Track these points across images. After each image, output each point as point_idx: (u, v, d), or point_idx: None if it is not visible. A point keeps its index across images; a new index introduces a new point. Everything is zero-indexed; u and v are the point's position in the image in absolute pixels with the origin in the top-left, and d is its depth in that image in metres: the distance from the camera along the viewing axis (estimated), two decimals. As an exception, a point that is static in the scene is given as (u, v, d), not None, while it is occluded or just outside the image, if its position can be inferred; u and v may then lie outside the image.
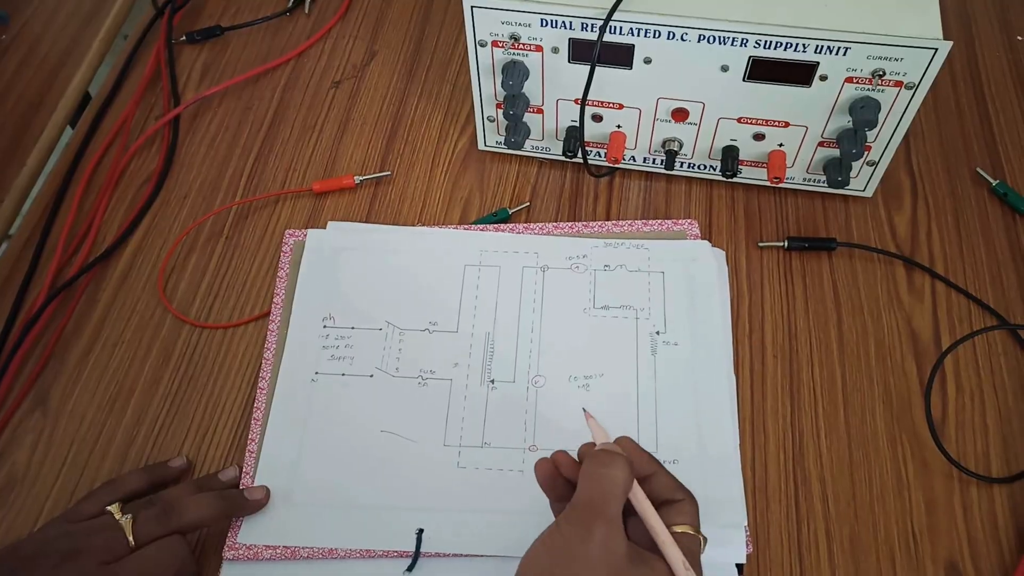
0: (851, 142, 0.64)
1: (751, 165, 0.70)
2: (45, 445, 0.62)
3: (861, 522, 0.58)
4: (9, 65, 0.83)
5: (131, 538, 0.52)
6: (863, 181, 0.70)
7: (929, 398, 0.61)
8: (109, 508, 0.54)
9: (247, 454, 0.60)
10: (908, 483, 0.59)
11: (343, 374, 0.64)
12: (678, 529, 0.44)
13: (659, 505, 0.45)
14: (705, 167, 0.72)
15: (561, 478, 0.47)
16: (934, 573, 0.56)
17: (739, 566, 0.55)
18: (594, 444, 0.47)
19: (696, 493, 0.57)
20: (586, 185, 0.74)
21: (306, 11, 0.87)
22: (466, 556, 0.56)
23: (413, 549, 0.56)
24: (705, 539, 0.45)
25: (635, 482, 0.44)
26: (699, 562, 0.43)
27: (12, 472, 0.61)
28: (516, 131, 0.71)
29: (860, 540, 0.57)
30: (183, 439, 0.62)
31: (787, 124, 0.66)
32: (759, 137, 0.68)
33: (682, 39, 0.61)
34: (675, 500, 0.45)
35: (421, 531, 0.56)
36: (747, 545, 0.56)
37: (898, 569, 0.56)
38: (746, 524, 0.56)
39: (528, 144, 0.73)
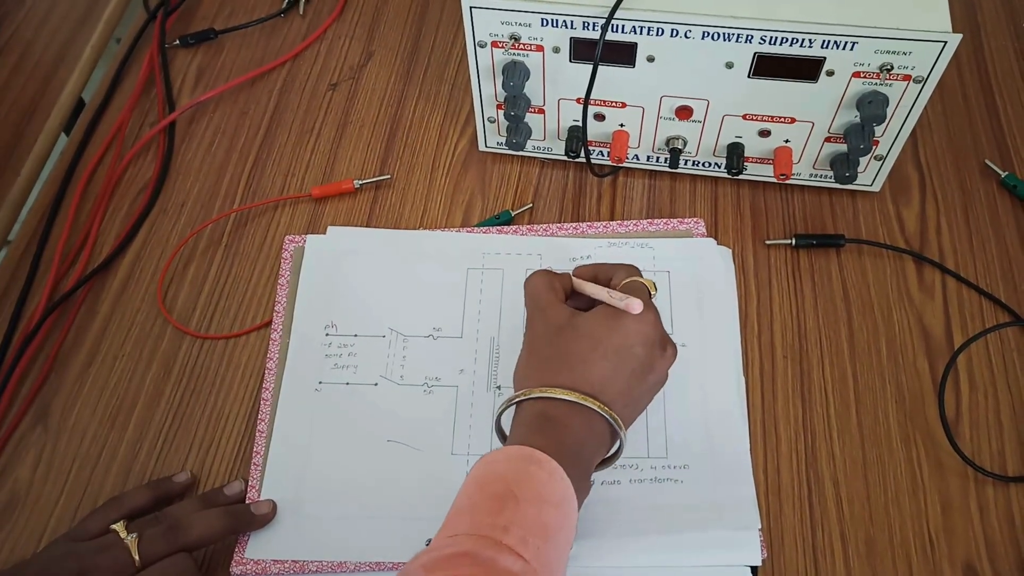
0: (859, 137, 0.63)
1: (757, 162, 0.69)
2: (47, 462, 0.61)
3: (876, 524, 0.57)
4: (1, 72, 0.82)
5: (137, 557, 0.52)
6: (871, 176, 0.69)
7: (943, 397, 0.60)
8: (114, 526, 0.53)
9: (252, 467, 0.59)
10: (923, 484, 0.58)
11: (347, 383, 0.63)
12: (627, 280, 0.55)
13: (608, 281, 0.57)
14: (710, 165, 0.71)
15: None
16: (952, 575, 0.55)
17: (753, 569, 0.55)
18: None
19: (708, 496, 0.57)
20: (589, 185, 0.73)
21: (300, 12, 0.86)
22: (477, 567, 0.55)
23: (423, 561, 0.55)
24: (653, 284, 0.56)
25: (572, 278, 0.58)
26: (647, 297, 0.54)
27: (14, 490, 0.60)
28: (517, 132, 0.70)
29: (876, 543, 0.56)
30: (187, 453, 0.61)
31: (793, 120, 0.65)
32: (765, 134, 0.67)
33: (685, 36, 0.60)
34: (615, 272, 0.57)
35: (430, 541, 0.56)
36: (762, 550, 0.55)
37: (915, 572, 0.55)
38: (760, 527, 0.56)
39: (530, 144, 0.72)
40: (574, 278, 0.58)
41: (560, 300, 0.56)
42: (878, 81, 0.61)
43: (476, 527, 0.45)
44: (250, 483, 0.59)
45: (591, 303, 0.56)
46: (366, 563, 0.56)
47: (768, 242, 0.69)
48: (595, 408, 0.50)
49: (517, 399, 0.52)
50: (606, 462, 0.54)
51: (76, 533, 0.54)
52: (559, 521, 0.46)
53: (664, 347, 0.54)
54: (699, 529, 0.55)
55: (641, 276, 0.56)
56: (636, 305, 0.52)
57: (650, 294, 0.55)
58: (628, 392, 0.52)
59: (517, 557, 0.43)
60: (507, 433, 0.53)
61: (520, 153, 0.74)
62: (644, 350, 0.52)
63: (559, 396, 0.50)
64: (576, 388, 0.50)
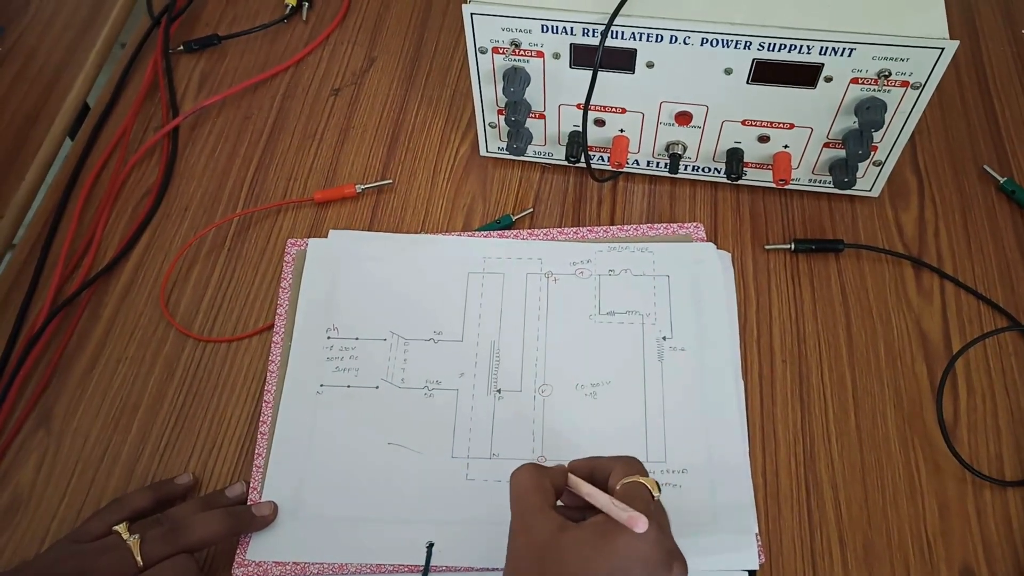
0: (857, 143, 0.64)
1: (756, 167, 0.70)
2: (50, 464, 0.61)
3: (874, 528, 0.57)
4: (5, 77, 0.83)
5: (139, 558, 0.52)
6: (869, 181, 0.69)
7: (941, 401, 0.60)
8: (116, 528, 0.54)
9: (254, 469, 0.60)
10: (921, 487, 0.58)
11: (348, 386, 0.63)
12: (627, 481, 0.47)
13: (606, 479, 0.49)
14: (710, 170, 0.71)
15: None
16: (949, 578, 0.55)
17: (751, 573, 0.55)
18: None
19: (707, 500, 0.57)
20: (590, 190, 0.73)
21: (303, 18, 0.86)
22: (478, 570, 0.56)
23: (424, 563, 0.55)
24: (657, 484, 0.48)
25: (568, 474, 0.49)
26: (650, 502, 0.47)
27: (17, 492, 0.60)
28: (518, 137, 0.70)
29: (874, 546, 0.57)
30: (189, 455, 0.62)
31: (792, 126, 0.66)
32: (764, 139, 0.67)
33: (685, 43, 0.61)
34: (614, 467, 0.49)
35: (431, 545, 0.56)
36: (759, 554, 0.55)
37: (912, 575, 0.55)
38: (757, 531, 0.56)
39: (530, 150, 0.73)
40: (570, 476, 0.49)
41: (549, 505, 0.47)
42: (876, 87, 0.61)
43: None
44: (252, 485, 0.59)
45: (587, 502, 0.48)
46: (367, 565, 0.56)
47: (767, 247, 0.69)
48: None
49: None
50: None
51: (78, 535, 0.54)
52: None
53: (670, 566, 0.44)
54: (697, 533, 0.55)
55: (643, 473, 0.48)
56: (641, 523, 0.43)
57: (652, 497, 0.47)
58: None
59: None
60: None
61: (521, 158, 0.74)
62: (643, 573, 0.44)
63: None
64: None
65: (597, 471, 0.50)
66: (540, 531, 0.46)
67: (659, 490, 0.48)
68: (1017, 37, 0.81)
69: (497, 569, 0.55)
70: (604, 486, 0.48)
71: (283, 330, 0.66)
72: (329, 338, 0.65)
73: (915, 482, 0.59)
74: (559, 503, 0.49)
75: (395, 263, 0.69)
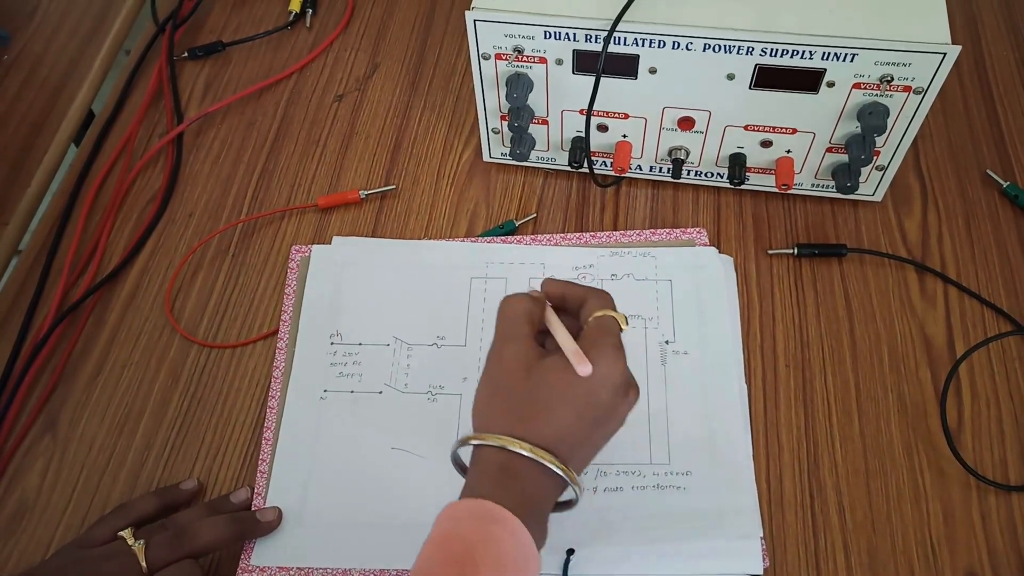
0: (860, 147, 0.64)
1: (759, 172, 0.70)
2: (55, 470, 0.62)
3: (879, 533, 0.57)
4: (11, 85, 0.83)
5: (144, 563, 0.52)
6: (872, 186, 0.69)
7: (944, 406, 0.60)
8: (121, 533, 0.54)
9: (258, 474, 0.60)
10: (925, 492, 0.58)
11: (352, 391, 0.63)
12: (599, 315, 0.52)
13: (577, 309, 0.54)
14: (712, 175, 0.71)
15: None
16: (953, 583, 0.55)
17: (755, 578, 0.55)
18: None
19: (711, 504, 0.57)
20: (593, 195, 0.73)
21: (307, 25, 0.87)
22: (480, 575, 0.56)
23: (427, 568, 0.55)
24: (624, 317, 0.53)
25: (547, 305, 0.54)
26: (617, 338, 0.51)
27: (23, 498, 0.61)
28: (521, 143, 0.70)
29: (878, 552, 0.56)
30: (194, 461, 0.62)
31: (794, 131, 0.66)
32: (766, 144, 0.67)
33: (687, 48, 0.61)
34: (585, 300, 0.53)
35: None
36: (763, 559, 0.55)
37: (917, 580, 0.56)
38: (762, 536, 0.56)
39: (533, 155, 0.73)
40: (547, 312, 0.54)
41: (533, 333, 0.52)
42: (878, 92, 0.61)
43: None
44: (256, 490, 0.59)
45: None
46: (370, 570, 0.56)
47: (770, 251, 0.69)
48: (555, 468, 0.48)
49: (478, 442, 0.50)
50: (559, 506, 0.52)
51: (84, 540, 0.54)
52: None
53: (627, 392, 0.51)
54: (700, 537, 0.55)
55: (614, 308, 0.53)
56: (584, 367, 0.49)
57: (620, 329, 0.52)
58: (588, 440, 0.51)
59: None
60: (466, 464, 0.52)
61: (524, 164, 0.74)
62: (609, 397, 0.50)
63: (522, 453, 0.48)
64: (538, 442, 0.48)
65: (569, 298, 0.54)
66: (527, 353, 0.51)
67: (627, 323, 0.53)
68: (1019, 42, 0.81)
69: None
70: (575, 312, 0.54)
71: (287, 336, 0.66)
72: (333, 344, 0.65)
73: (919, 487, 0.59)
74: None
75: (398, 269, 0.69)
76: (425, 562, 0.46)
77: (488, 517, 0.46)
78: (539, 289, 0.55)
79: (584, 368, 0.49)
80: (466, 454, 0.52)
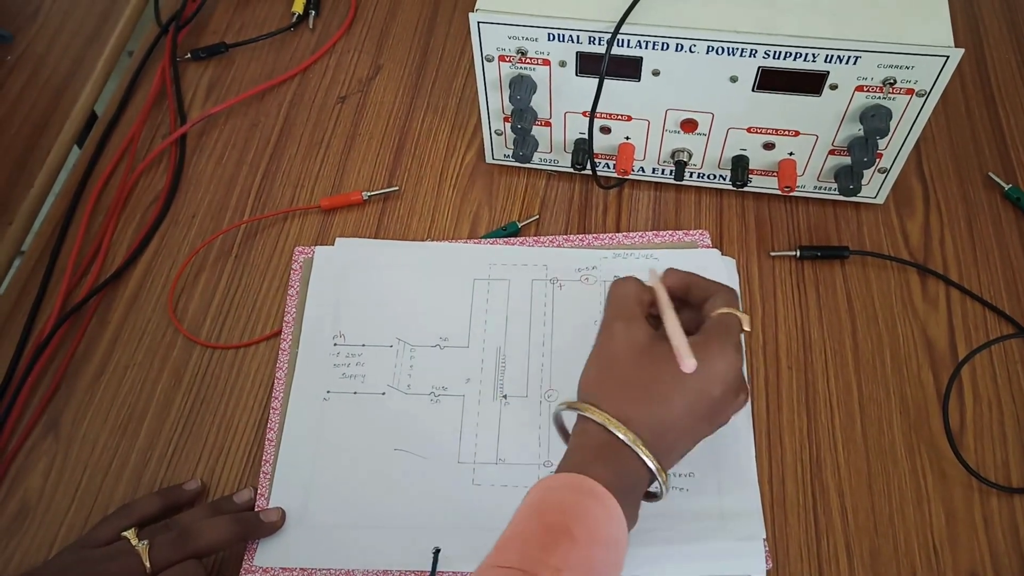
0: (862, 150, 0.64)
1: (761, 174, 0.70)
2: (58, 471, 0.62)
3: (881, 535, 0.57)
4: (14, 85, 0.83)
5: (148, 563, 0.52)
6: (875, 188, 0.69)
7: (947, 408, 0.60)
8: (125, 534, 0.54)
9: (261, 475, 0.60)
10: (927, 494, 0.58)
11: (355, 392, 0.63)
12: (723, 311, 0.52)
13: (701, 303, 0.54)
14: (715, 177, 0.71)
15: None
16: (956, 585, 0.55)
17: (758, 580, 0.55)
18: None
19: (713, 505, 0.57)
20: (595, 197, 0.73)
21: (310, 26, 0.87)
22: None
23: (430, 568, 0.56)
24: (747, 317, 0.53)
25: (661, 292, 0.54)
26: (738, 337, 0.52)
27: (26, 498, 0.61)
28: (524, 144, 0.70)
29: (880, 554, 0.57)
30: (197, 461, 0.62)
31: (797, 133, 0.66)
32: (769, 146, 0.67)
33: (690, 51, 0.61)
34: (710, 294, 0.54)
35: (438, 550, 0.56)
36: (766, 560, 0.55)
37: (919, 582, 0.56)
38: (765, 537, 0.56)
39: (536, 157, 0.73)
40: (661, 297, 0.54)
41: (644, 315, 0.53)
42: (881, 95, 0.61)
43: (525, 561, 0.43)
44: (259, 491, 0.59)
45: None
46: (373, 571, 0.56)
47: (773, 254, 0.69)
48: (651, 464, 0.48)
49: (584, 412, 0.50)
50: (647, 496, 0.52)
51: (87, 540, 0.55)
52: (608, 564, 0.46)
53: (738, 393, 0.52)
54: (704, 538, 0.56)
55: (739, 307, 0.53)
56: (690, 364, 0.49)
57: (741, 329, 0.52)
58: (689, 435, 0.51)
59: None
60: (567, 430, 0.52)
61: (527, 165, 0.74)
62: (721, 395, 0.50)
63: (624, 440, 0.48)
64: (644, 430, 0.48)
65: (693, 290, 0.55)
66: (639, 334, 0.52)
67: (749, 326, 0.53)
68: (1022, 45, 0.81)
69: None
70: (698, 304, 0.54)
71: (290, 337, 0.66)
72: (336, 345, 0.65)
73: (921, 489, 0.59)
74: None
75: (401, 270, 0.69)
76: (519, 525, 0.46)
77: (586, 491, 0.46)
78: (655, 277, 0.56)
79: (689, 364, 0.49)
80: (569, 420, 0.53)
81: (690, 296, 0.55)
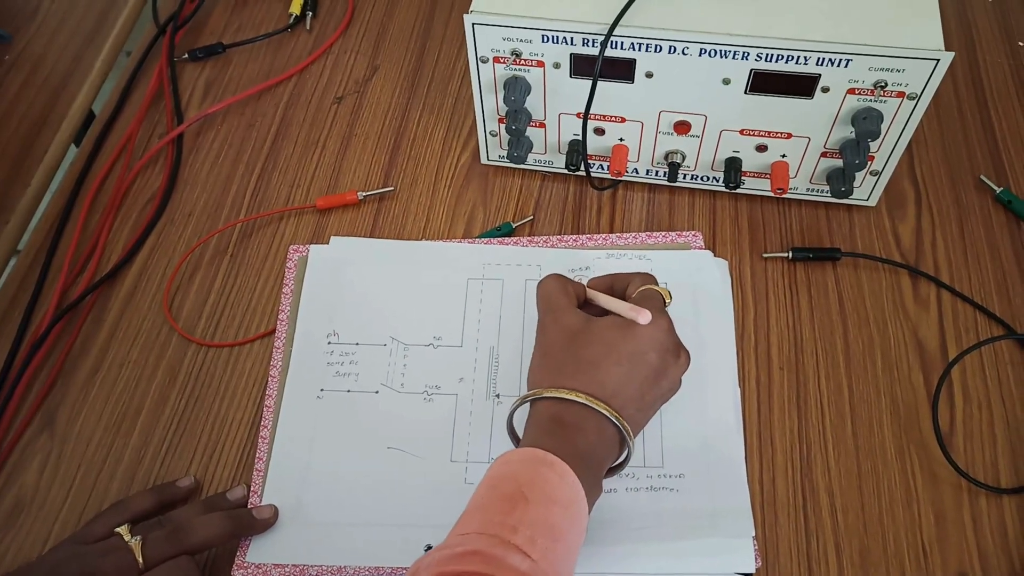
0: (854, 152, 0.64)
1: (754, 176, 0.70)
2: (53, 467, 0.62)
3: (871, 535, 0.57)
4: (12, 84, 0.83)
5: (140, 560, 0.52)
6: (867, 191, 0.70)
7: (937, 409, 0.60)
8: (118, 530, 0.54)
9: (255, 472, 0.60)
10: (917, 495, 0.59)
11: (348, 391, 0.64)
12: (643, 288, 0.56)
13: (624, 291, 0.58)
14: (708, 179, 0.72)
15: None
16: (944, 585, 0.56)
17: (748, 577, 0.55)
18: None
19: (704, 504, 0.58)
20: (589, 198, 0.74)
21: (307, 27, 0.87)
22: (475, 573, 0.56)
23: (421, 567, 0.56)
24: (668, 292, 0.57)
25: (587, 288, 0.58)
26: (660, 304, 0.56)
27: (20, 495, 0.61)
28: (519, 145, 0.71)
29: (870, 553, 0.57)
30: (190, 458, 0.62)
31: (790, 135, 0.66)
32: (762, 148, 0.68)
33: (683, 53, 0.61)
34: (629, 281, 0.58)
35: (430, 547, 0.56)
36: (756, 559, 0.55)
37: (908, 582, 0.56)
38: (754, 535, 0.56)
39: (531, 158, 0.73)
40: (588, 288, 0.58)
41: (573, 304, 0.56)
42: (872, 98, 0.62)
43: (486, 526, 0.46)
44: (252, 488, 0.60)
45: (603, 313, 0.57)
46: (365, 568, 0.56)
47: (765, 255, 0.70)
48: (606, 413, 0.51)
49: (530, 398, 0.53)
50: (614, 469, 0.55)
51: (81, 536, 0.55)
52: (568, 522, 0.47)
53: (678, 354, 0.55)
54: (694, 537, 0.56)
55: (656, 284, 0.57)
56: (645, 316, 0.53)
57: (664, 302, 0.56)
58: (640, 398, 0.53)
59: (524, 556, 0.44)
60: (518, 434, 0.54)
61: (521, 166, 0.75)
62: (657, 356, 0.53)
63: (571, 398, 0.51)
64: (589, 392, 0.51)
65: (616, 284, 0.59)
66: (570, 321, 0.55)
67: (670, 297, 0.57)
68: (1014, 49, 0.81)
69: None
70: (620, 295, 0.57)
71: (284, 335, 0.66)
72: (330, 343, 0.66)
73: (911, 489, 0.59)
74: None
75: (396, 269, 0.69)
76: (478, 499, 0.48)
77: (537, 460, 0.48)
78: (584, 284, 0.59)
79: (643, 316, 0.52)
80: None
81: (614, 291, 0.58)
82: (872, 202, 0.71)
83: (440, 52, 0.84)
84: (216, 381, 0.66)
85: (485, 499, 0.48)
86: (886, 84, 0.60)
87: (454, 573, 0.43)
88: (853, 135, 0.64)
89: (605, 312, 0.57)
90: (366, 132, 0.79)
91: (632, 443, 0.52)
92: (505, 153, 0.73)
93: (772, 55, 0.60)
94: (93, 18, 0.89)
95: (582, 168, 0.70)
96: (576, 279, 0.67)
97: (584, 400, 0.51)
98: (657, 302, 0.55)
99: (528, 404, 0.54)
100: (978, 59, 0.81)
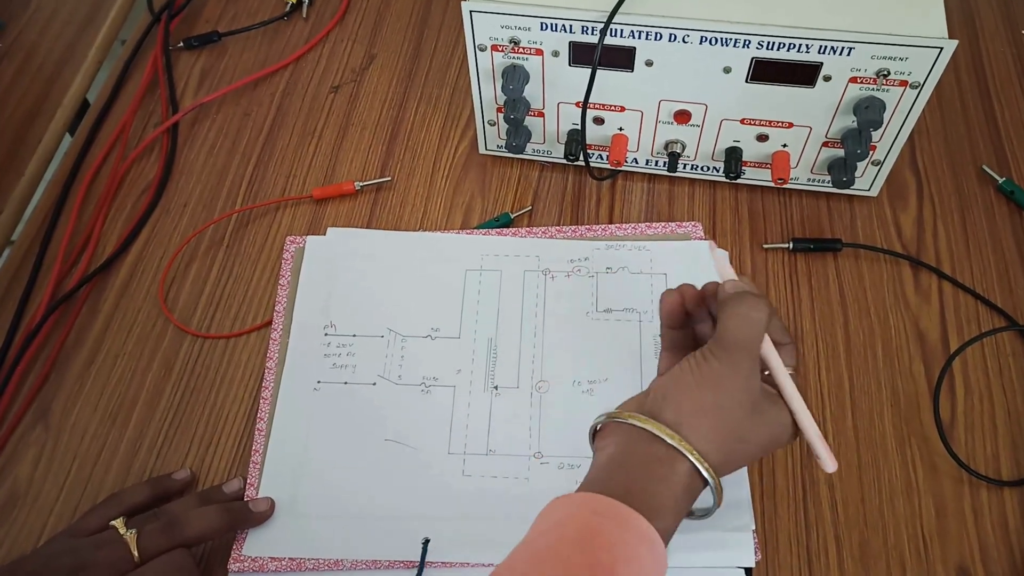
0: (856, 142, 0.64)
1: (755, 166, 0.70)
2: (47, 460, 0.62)
3: (871, 527, 0.57)
4: (6, 73, 0.83)
5: (136, 552, 0.52)
6: (868, 181, 0.69)
7: (938, 400, 0.60)
8: (113, 523, 0.54)
9: (251, 465, 0.60)
10: (917, 487, 0.58)
11: (345, 382, 0.63)
12: (788, 371, 0.49)
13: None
14: (708, 169, 0.71)
15: (682, 309, 0.51)
16: (945, 578, 0.55)
17: (747, 570, 0.55)
18: (717, 282, 0.50)
19: (702, 497, 0.57)
20: (588, 188, 0.73)
21: (303, 15, 0.86)
22: (473, 565, 0.56)
23: (419, 559, 0.55)
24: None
25: (766, 343, 0.48)
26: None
27: (14, 488, 0.61)
28: (517, 135, 0.70)
29: (870, 545, 0.57)
30: (186, 451, 0.62)
31: (791, 125, 0.66)
32: (762, 138, 0.67)
33: (684, 41, 0.61)
34: (784, 344, 0.49)
35: (427, 540, 0.56)
36: (756, 552, 0.55)
37: (908, 574, 0.56)
38: (754, 528, 0.56)
39: (529, 147, 0.73)
40: (766, 349, 0.48)
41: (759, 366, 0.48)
42: (875, 86, 0.61)
43: None
44: (249, 481, 0.59)
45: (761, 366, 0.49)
46: (362, 561, 0.56)
47: (766, 246, 0.69)
48: (712, 489, 0.46)
49: (702, 467, 0.45)
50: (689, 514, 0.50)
51: (75, 529, 0.54)
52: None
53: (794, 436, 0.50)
54: (693, 530, 0.55)
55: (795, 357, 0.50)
56: (832, 464, 0.48)
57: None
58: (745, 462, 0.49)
59: None
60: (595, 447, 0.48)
61: (520, 156, 0.74)
62: (786, 440, 0.49)
63: (710, 478, 0.45)
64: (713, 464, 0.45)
65: (772, 325, 0.49)
66: (755, 385, 0.47)
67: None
68: (1017, 38, 0.81)
69: (490, 565, 0.55)
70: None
71: (281, 327, 0.66)
72: (327, 335, 0.65)
73: (912, 481, 0.59)
74: None
75: (393, 260, 0.69)
76: (558, 548, 0.42)
77: (637, 531, 0.42)
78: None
79: (831, 465, 0.48)
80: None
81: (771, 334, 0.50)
82: (873, 192, 0.70)
83: (438, 40, 0.84)
84: (212, 373, 0.65)
85: (569, 553, 0.41)
86: (889, 73, 0.60)
87: None
88: (855, 124, 0.64)
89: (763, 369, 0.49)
90: (363, 122, 0.78)
91: (717, 502, 0.48)
92: (503, 143, 0.73)
93: (774, 43, 0.59)
94: (87, 6, 0.88)
95: (581, 158, 0.69)
96: (575, 270, 0.67)
97: (712, 480, 0.45)
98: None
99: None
100: (980, 48, 0.80)
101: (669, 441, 0.45)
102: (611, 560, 0.40)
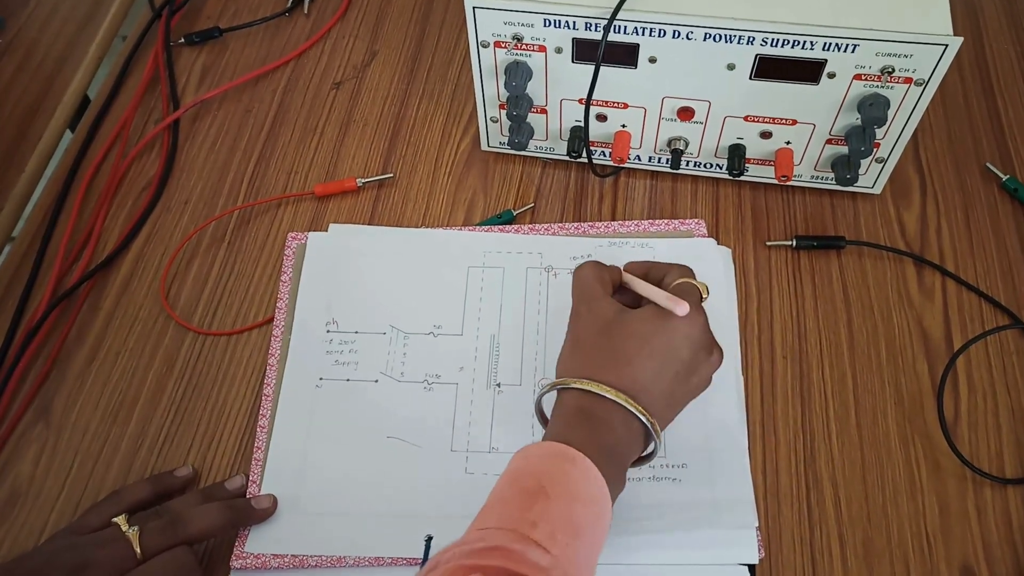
0: (860, 139, 0.64)
1: (758, 163, 0.69)
2: (49, 457, 0.61)
3: (874, 525, 0.57)
4: (6, 69, 0.82)
5: (138, 549, 0.52)
6: (872, 178, 0.69)
7: (941, 399, 0.60)
8: (115, 520, 0.54)
9: (253, 462, 0.60)
10: (921, 485, 0.58)
11: (348, 379, 0.63)
12: (680, 281, 0.55)
13: (659, 280, 0.56)
14: (711, 166, 0.71)
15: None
16: (948, 576, 0.55)
17: (751, 568, 0.55)
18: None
19: (706, 495, 0.57)
20: (591, 185, 0.73)
21: (305, 11, 0.86)
22: (475, 564, 0.56)
23: (422, 556, 0.55)
24: (705, 287, 0.55)
25: (623, 273, 0.57)
26: (698, 299, 0.54)
27: (16, 485, 0.60)
28: (520, 132, 0.70)
29: (873, 544, 0.56)
30: (188, 448, 0.62)
31: (794, 122, 0.65)
32: (766, 135, 0.67)
33: (688, 38, 0.60)
34: (667, 272, 0.56)
35: (430, 538, 0.56)
36: (759, 549, 0.55)
37: (912, 573, 0.55)
38: (757, 525, 0.56)
39: (532, 144, 0.73)
40: (624, 273, 0.57)
41: (608, 294, 0.55)
42: (879, 84, 0.61)
43: (505, 521, 0.45)
44: (251, 478, 0.59)
45: (637, 300, 0.56)
46: (365, 558, 0.56)
47: (769, 243, 0.69)
48: (635, 411, 0.50)
49: (560, 386, 0.52)
50: (640, 460, 0.54)
51: (77, 527, 0.54)
52: (590, 519, 0.46)
53: (711, 351, 0.54)
54: (696, 527, 0.55)
55: (694, 278, 0.56)
56: (683, 307, 0.51)
57: (701, 297, 0.55)
58: (670, 394, 0.52)
59: (544, 551, 0.43)
60: (548, 417, 0.53)
61: (522, 153, 0.74)
62: (690, 353, 0.52)
63: (601, 392, 0.50)
64: (619, 387, 0.50)
65: (652, 272, 0.57)
66: (604, 311, 0.53)
67: (707, 292, 0.55)
68: (1021, 35, 0.81)
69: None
70: (658, 283, 0.56)
71: (283, 323, 0.66)
72: (329, 332, 0.65)
73: (915, 480, 0.59)
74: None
75: (395, 257, 0.69)
76: (498, 494, 0.47)
77: (561, 456, 0.48)
78: (620, 267, 0.58)
79: (681, 308, 0.51)
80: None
81: (649, 279, 0.57)
82: (877, 190, 0.70)
83: (440, 37, 0.83)
84: (214, 370, 0.65)
85: (505, 494, 0.47)
86: (893, 70, 0.60)
87: (474, 567, 0.42)
88: (859, 122, 0.63)
89: (639, 301, 0.55)
90: (365, 118, 0.78)
91: (659, 439, 0.51)
92: (506, 139, 0.73)
93: (778, 40, 0.59)
94: (88, 2, 0.88)
95: (584, 155, 0.69)
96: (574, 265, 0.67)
97: (613, 396, 0.50)
98: (695, 296, 0.54)
99: (555, 392, 0.53)
100: (984, 46, 0.80)
101: (564, 385, 0.52)
102: (538, 483, 0.46)
